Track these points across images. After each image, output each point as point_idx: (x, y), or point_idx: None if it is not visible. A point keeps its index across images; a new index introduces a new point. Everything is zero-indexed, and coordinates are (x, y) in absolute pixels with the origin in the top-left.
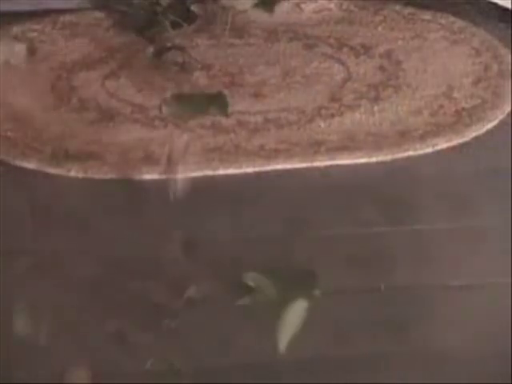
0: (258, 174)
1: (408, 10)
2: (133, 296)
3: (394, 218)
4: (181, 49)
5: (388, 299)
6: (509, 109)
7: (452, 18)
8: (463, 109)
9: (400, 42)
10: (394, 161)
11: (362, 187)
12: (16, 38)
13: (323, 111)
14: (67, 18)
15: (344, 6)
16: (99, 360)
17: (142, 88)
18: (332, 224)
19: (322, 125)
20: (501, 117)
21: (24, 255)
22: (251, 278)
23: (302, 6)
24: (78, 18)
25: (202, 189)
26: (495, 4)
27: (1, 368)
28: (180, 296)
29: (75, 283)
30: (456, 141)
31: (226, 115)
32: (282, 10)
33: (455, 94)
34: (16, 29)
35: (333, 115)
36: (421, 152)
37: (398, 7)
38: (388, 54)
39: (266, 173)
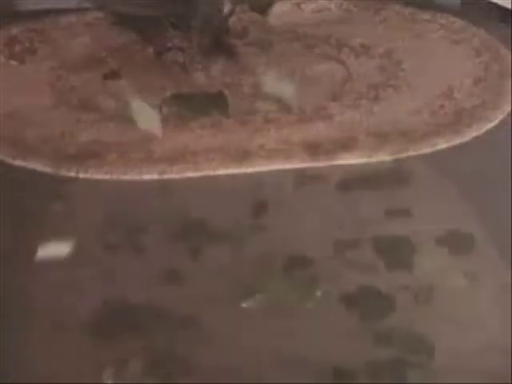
0: (257, 174)
1: (408, 10)
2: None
3: (394, 218)
4: (181, 49)
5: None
6: (509, 109)
7: (452, 18)
8: (463, 109)
9: (400, 42)
10: (394, 161)
11: (362, 187)
12: (16, 38)
13: (323, 111)
14: (67, 18)
15: (344, 6)
16: None
17: (142, 88)
18: (332, 224)
19: (322, 125)
20: (501, 117)
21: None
22: None
23: (302, 6)
24: (78, 18)
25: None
26: (495, 4)
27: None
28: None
29: None
30: (456, 141)
31: (226, 115)
32: (282, 10)
33: (455, 94)
34: (16, 29)
35: (333, 115)
36: (421, 152)
37: (398, 7)
38: (388, 54)
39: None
